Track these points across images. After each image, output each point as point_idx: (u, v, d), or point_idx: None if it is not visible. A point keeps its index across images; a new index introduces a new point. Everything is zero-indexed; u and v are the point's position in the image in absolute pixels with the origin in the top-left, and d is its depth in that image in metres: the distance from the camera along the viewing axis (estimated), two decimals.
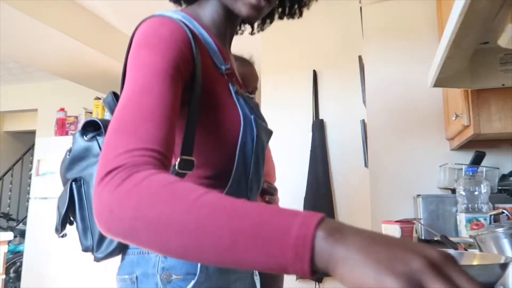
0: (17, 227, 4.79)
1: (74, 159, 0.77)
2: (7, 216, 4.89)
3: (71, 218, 0.77)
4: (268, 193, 1.27)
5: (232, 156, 0.70)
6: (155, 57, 0.59)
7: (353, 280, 0.34)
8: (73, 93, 4.68)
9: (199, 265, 0.67)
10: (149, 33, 0.62)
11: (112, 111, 0.75)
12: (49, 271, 3.29)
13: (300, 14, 0.89)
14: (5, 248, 2.57)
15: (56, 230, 0.76)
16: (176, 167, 0.62)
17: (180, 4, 0.81)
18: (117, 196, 0.45)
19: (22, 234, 4.22)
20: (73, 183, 0.75)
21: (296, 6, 0.88)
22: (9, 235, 2.58)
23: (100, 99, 3.50)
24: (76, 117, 3.61)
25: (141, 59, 0.59)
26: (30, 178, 4.67)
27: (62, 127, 3.59)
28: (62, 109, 3.67)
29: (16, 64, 4.40)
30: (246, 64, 1.41)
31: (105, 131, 0.72)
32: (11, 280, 4.22)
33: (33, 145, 4.20)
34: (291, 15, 0.89)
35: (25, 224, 4.10)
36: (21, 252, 4.18)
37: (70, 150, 0.78)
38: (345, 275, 0.35)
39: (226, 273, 0.72)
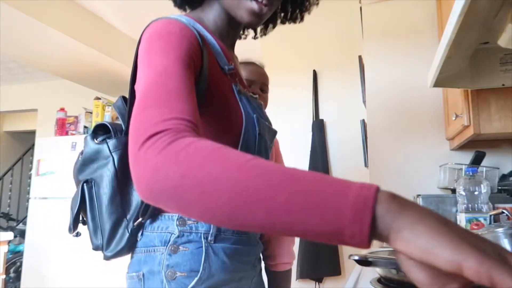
0: (17, 227, 4.79)
1: (85, 161, 0.78)
2: (7, 216, 4.89)
3: (83, 218, 0.79)
4: None
5: None
6: (169, 45, 0.60)
7: (422, 247, 0.32)
8: (73, 93, 4.68)
9: (202, 262, 0.69)
10: (161, 29, 0.64)
11: (121, 115, 0.79)
12: (49, 271, 3.29)
13: (302, 19, 0.91)
14: (5, 248, 2.57)
15: (69, 229, 0.78)
16: None
17: (185, 9, 0.83)
18: (164, 156, 0.43)
19: (22, 234, 4.22)
20: (85, 184, 0.77)
21: (297, 11, 0.89)
22: (9, 235, 2.58)
23: (100, 99, 3.50)
24: (76, 117, 3.61)
25: (157, 49, 0.60)
26: (30, 178, 4.67)
27: (62, 127, 3.59)
28: (62, 109, 3.67)
29: (16, 64, 4.40)
30: (251, 64, 1.43)
31: (115, 134, 0.76)
32: (11, 280, 4.22)
33: (33, 145, 4.20)
34: (293, 20, 0.91)
35: (25, 224, 4.10)
36: (21, 252, 4.18)
37: (82, 153, 0.80)
38: (412, 241, 0.32)
39: (230, 271, 0.74)
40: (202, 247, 0.70)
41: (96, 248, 0.77)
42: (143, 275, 0.71)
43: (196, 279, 0.68)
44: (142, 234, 0.74)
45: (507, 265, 0.30)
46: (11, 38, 3.01)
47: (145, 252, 0.72)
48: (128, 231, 0.73)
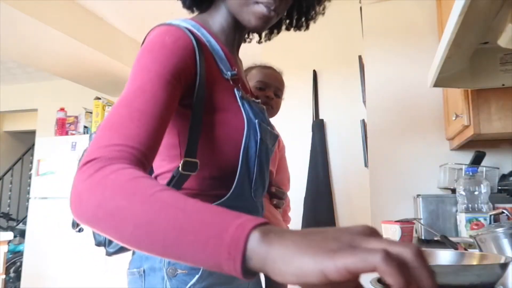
0: (17, 227, 4.79)
1: None
2: (7, 216, 4.89)
3: None
4: (276, 197, 1.28)
5: (236, 158, 0.72)
6: (154, 63, 0.63)
7: (294, 271, 0.34)
8: (73, 93, 4.68)
9: None
10: (154, 40, 0.66)
11: None
12: (49, 271, 3.29)
13: (307, 27, 0.93)
14: (5, 248, 2.57)
15: (73, 225, 0.80)
16: (180, 168, 0.66)
17: (193, 11, 0.84)
18: (87, 185, 0.49)
19: (22, 234, 4.22)
20: None
21: (303, 19, 0.90)
22: (9, 235, 2.58)
23: (100, 99, 3.50)
24: (76, 117, 3.61)
25: (142, 63, 0.63)
26: (30, 178, 4.67)
27: (62, 127, 3.59)
28: (62, 109, 3.67)
29: (16, 64, 4.40)
30: (269, 68, 1.44)
31: None
32: (11, 280, 4.22)
33: (33, 145, 4.20)
34: (298, 27, 0.92)
35: (25, 224, 4.10)
36: (21, 252, 4.17)
37: (86, 150, 0.80)
38: (284, 270, 0.35)
39: None
40: None
41: (98, 244, 0.78)
42: (144, 271, 0.73)
43: (197, 276, 0.69)
44: None
45: (358, 249, 0.33)
46: (11, 38, 3.01)
47: None
48: None
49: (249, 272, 0.39)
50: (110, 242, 0.77)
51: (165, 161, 0.74)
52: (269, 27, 0.90)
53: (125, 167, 0.50)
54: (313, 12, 0.90)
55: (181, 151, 0.69)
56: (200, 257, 0.40)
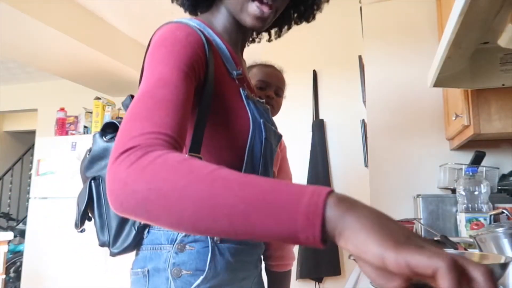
0: (17, 227, 4.78)
1: (93, 159, 0.80)
2: (7, 216, 4.89)
3: (89, 215, 0.81)
4: None
5: (241, 157, 0.73)
6: (170, 55, 0.62)
7: (357, 245, 0.35)
8: (73, 93, 4.68)
9: (208, 261, 0.70)
10: (167, 35, 0.66)
11: None
12: (49, 271, 3.29)
13: (313, 18, 0.92)
14: (5, 248, 2.57)
15: (76, 225, 0.80)
16: None
17: (196, 14, 0.84)
18: (132, 171, 0.46)
19: (22, 234, 4.22)
20: (92, 181, 0.78)
21: (310, 10, 0.90)
22: (9, 235, 2.58)
23: (100, 99, 3.50)
24: (76, 117, 3.61)
25: (158, 57, 0.62)
26: (30, 178, 4.67)
27: (62, 127, 3.59)
28: (62, 109, 3.67)
29: (16, 64, 4.40)
30: (269, 66, 1.43)
31: None
32: (11, 280, 4.22)
33: (33, 145, 4.20)
34: (306, 19, 0.92)
35: (25, 224, 4.10)
36: (21, 252, 4.18)
37: (90, 150, 0.81)
38: (350, 240, 0.36)
39: (234, 270, 0.75)
40: (208, 246, 0.72)
41: (102, 244, 0.78)
42: (148, 271, 0.73)
43: (201, 277, 0.70)
44: (148, 232, 0.76)
45: (425, 249, 0.33)
46: (11, 38, 3.01)
47: (151, 249, 0.74)
48: (134, 229, 0.75)
49: (325, 240, 0.38)
50: (114, 242, 0.76)
51: None
52: (278, 24, 0.90)
53: (168, 152, 0.48)
54: (319, 1, 0.90)
55: (185, 149, 0.69)
56: (272, 229, 0.39)
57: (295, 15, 0.91)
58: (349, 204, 0.38)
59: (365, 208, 0.37)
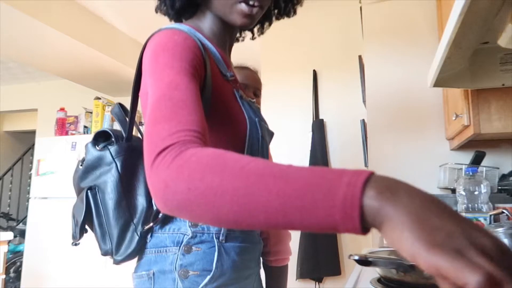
0: (17, 227, 4.78)
1: (87, 169, 0.79)
2: (7, 216, 4.89)
3: (86, 226, 0.80)
4: None
5: None
6: (174, 59, 0.63)
7: (393, 240, 0.35)
8: (73, 93, 4.68)
9: (214, 262, 0.72)
10: (165, 40, 0.66)
11: (120, 121, 0.82)
12: (49, 271, 3.29)
13: (294, 12, 0.94)
14: (5, 248, 2.57)
15: (74, 237, 0.79)
16: None
17: (181, 21, 0.85)
18: (171, 171, 0.47)
19: (22, 234, 4.22)
20: (89, 191, 0.78)
21: (289, 5, 0.91)
22: (9, 235, 2.58)
23: (100, 99, 3.50)
24: (76, 117, 3.61)
25: (163, 60, 0.63)
26: (30, 178, 4.67)
27: (62, 127, 3.59)
28: (62, 109, 3.67)
29: (16, 64, 4.40)
30: (245, 68, 1.45)
31: (116, 140, 0.78)
32: (11, 280, 4.22)
33: (33, 145, 4.20)
34: (286, 14, 0.93)
35: (25, 224, 4.10)
36: (21, 252, 4.18)
37: (82, 161, 0.81)
38: (388, 233, 0.35)
39: (239, 269, 0.76)
40: (214, 246, 0.73)
41: (105, 253, 0.78)
42: (154, 273, 0.73)
43: (208, 277, 0.71)
44: (151, 236, 0.76)
45: (461, 257, 0.30)
46: (11, 38, 3.01)
47: (155, 252, 0.74)
48: (138, 235, 0.75)
49: (366, 229, 0.38)
50: (117, 250, 0.76)
51: None
52: (260, 21, 0.91)
53: (201, 149, 0.49)
54: None
55: None
56: (311, 222, 0.39)
57: (276, 10, 0.92)
58: (389, 193, 0.36)
59: (408, 197, 0.36)
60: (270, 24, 0.95)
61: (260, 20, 0.92)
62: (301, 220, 0.39)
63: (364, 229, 0.37)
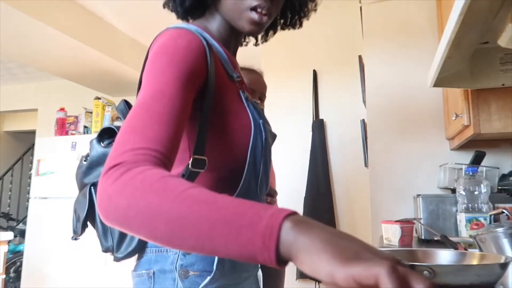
0: (17, 227, 4.78)
1: (92, 165, 0.80)
2: (7, 216, 4.89)
3: (87, 222, 0.81)
4: (269, 195, 1.30)
5: (244, 158, 0.74)
6: (169, 66, 0.63)
7: (310, 265, 0.37)
8: (73, 93, 4.68)
9: (215, 263, 0.72)
10: (168, 43, 0.67)
11: (125, 117, 0.81)
12: (49, 270, 3.29)
13: (300, 25, 0.96)
14: (5, 248, 2.57)
15: (75, 232, 0.80)
16: (190, 165, 0.67)
17: (187, 20, 0.85)
18: (116, 187, 0.50)
19: (22, 234, 4.22)
20: (92, 187, 0.78)
21: (296, 17, 0.92)
22: (9, 235, 2.58)
23: (100, 99, 3.50)
24: (76, 117, 3.61)
25: (158, 66, 0.64)
26: (30, 178, 4.67)
27: (62, 127, 3.59)
28: (62, 109, 3.67)
29: (16, 64, 4.40)
30: (253, 72, 1.45)
31: None
32: (11, 280, 4.22)
33: (33, 145, 4.20)
34: (292, 26, 0.94)
35: (25, 224, 4.10)
36: (21, 252, 4.17)
37: (86, 157, 0.82)
38: (304, 261, 0.37)
39: (239, 271, 0.77)
40: None
41: (106, 250, 0.78)
42: (154, 273, 0.73)
43: (209, 278, 0.71)
44: None
45: (367, 260, 0.35)
46: (11, 37, 3.01)
47: (156, 252, 0.75)
48: None
49: (282, 261, 0.40)
50: (118, 248, 0.77)
51: (175, 164, 0.75)
52: (266, 29, 0.92)
53: (151, 168, 0.51)
54: (306, 9, 0.92)
55: (190, 153, 0.71)
56: (234, 249, 0.41)
57: (281, 21, 0.93)
58: (304, 226, 0.39)
59: (320, 229, 0.39)
60: (274, 33, 0.97)
61: (266, 28, 0.93)
62: (226, 246, 0.41)
63: (280, 261, 0.39)
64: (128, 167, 0.51)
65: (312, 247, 0.37)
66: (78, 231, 0.79)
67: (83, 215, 0.77)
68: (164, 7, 0.85)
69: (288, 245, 0.39)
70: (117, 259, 0.78)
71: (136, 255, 0.79)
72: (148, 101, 0.59)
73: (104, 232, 0.77)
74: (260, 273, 0.93)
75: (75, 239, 0.82)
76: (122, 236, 0.76)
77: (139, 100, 0.60)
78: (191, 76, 0.64)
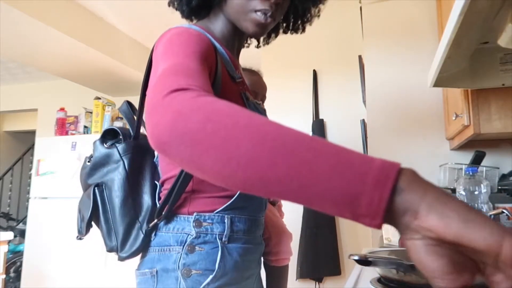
0: (17, 227, 4.78)
1: (95, 166, 0.81)
2: (7, 216, 4.89)
3: (92, 222, 0.81)
4: None
5: None
6: (187, 44, 0.63)
7: (460, 224, 0.31)
8: (73, 93, 4.68)
9: (217, 262, 0.72)
10: (179, 31, 0.67)
11: (128, 119, 0.83)
12: (49, 270, 3.29)
13: (303, 30, 0.96)
14: (5, 248, 2.57)
15: (80, 232, 0.81)
16: None
17: (191, 19, 0.86)
18: (193, 102, 0.43)
19: (22, 234, 4.22)
20: (96, 188, 0.79)
21: (299, 22, 0.94)
22: (9, 235, 2.58)
23: (100, 99, 3.50)
24: (76, 117, 3.61)
25: (176, 44, 0.63)
26: (30, 178, 4.67)
27: (62, 127, 3.59)
28: (62, 109, 3.67)
29: (16, 64, 4.40)
30: (255, 74, 1.46)
31: (124, 138, 0.79)
32: (11, 280, 4.22)
33: (33, 145, 4.20)
34: (295, 30, 0.96)
35: (25, 224, 4.10)
36: (21, 252, 4.17)
37: (90, 157, 0.82)
38: (451, 217, 0.32)
39: (241, 270, 0.77)
40: (218, 247, 0.74)
41: (110, 250, 0.79)
42: (157, 272, 0.74)
43: (211, 276, 0.71)
44: (155, 235, 0.77)
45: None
46: (11, 37, 3.01)
47: (159, 251, 0.75)
48: (142, 232, 0.76)
49: (388, 210, 0.33)
50: (122, 247, 0.77)
51: (172, 165, 0.76)
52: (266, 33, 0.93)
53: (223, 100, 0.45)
54: (309, 15, 0.93)
55: None
56: (335, 184, 0.34)
57: (284, 24, 0.93)
58: (425, 180, 0.34)
59: (435, 188, 0.34)
60: (276, 36, 0.98)
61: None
62: (328, 177, 0.35)
63: (386, 210, 0.33)
64: (197, 93, 0.45)
65: (457, 207, 0.32)
66: (83, 231, 0.80)
67: (87, 215, 0.78)
68: (169, 6, 0.85)
69: (413, 195, 0.33)
70: (121, 259, 0.78)
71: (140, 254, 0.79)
72: (177, 63, 0.56)
73: (108, 232, 0.78)
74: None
75: (80, 238, 0.83)
76: (126, 236, 0.77)
77: (163, 69, 0.55)
78: (206, 59, 0.63)
